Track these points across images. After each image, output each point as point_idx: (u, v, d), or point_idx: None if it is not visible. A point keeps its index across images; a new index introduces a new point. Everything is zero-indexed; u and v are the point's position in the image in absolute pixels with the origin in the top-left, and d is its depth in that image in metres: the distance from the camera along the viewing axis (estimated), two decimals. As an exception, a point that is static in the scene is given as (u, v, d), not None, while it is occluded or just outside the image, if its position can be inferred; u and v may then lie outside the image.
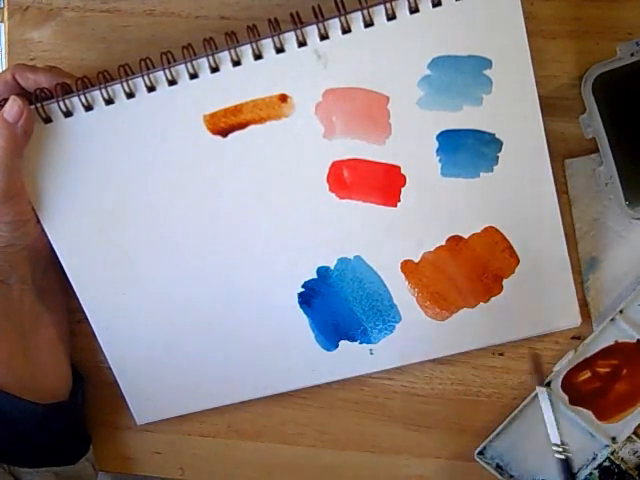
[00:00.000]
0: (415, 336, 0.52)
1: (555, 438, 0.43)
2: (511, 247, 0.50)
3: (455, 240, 0.50)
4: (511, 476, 0.54)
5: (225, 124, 0.48)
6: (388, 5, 0.45)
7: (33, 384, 0.50)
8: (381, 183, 0.49)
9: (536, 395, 0.52)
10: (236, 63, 0.47)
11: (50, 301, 0.53)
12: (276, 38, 0.46)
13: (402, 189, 0.49)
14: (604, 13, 0.49)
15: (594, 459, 0.53)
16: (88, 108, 0.47)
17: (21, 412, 0.49)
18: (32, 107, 0.46)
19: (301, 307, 0.52)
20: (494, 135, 0.48)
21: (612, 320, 0.51)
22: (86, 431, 0.57)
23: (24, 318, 0.50)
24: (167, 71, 0.46)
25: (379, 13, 0.45)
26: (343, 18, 0.45)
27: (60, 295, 0.54)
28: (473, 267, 0.51)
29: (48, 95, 0.47)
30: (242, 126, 0.48)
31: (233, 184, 0.49)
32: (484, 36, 0.46)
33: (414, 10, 0.45)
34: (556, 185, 0.49)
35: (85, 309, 0.52)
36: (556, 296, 0.51)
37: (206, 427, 0.57)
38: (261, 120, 0.48)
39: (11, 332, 0.50)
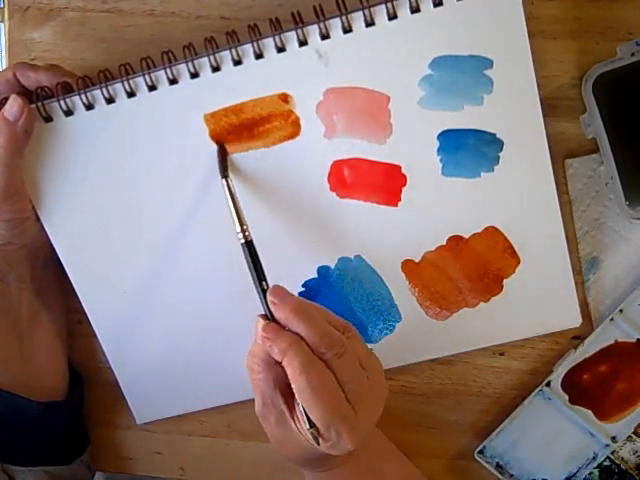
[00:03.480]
0: (415, 336, 0.52)
1: (237, 225, 0.44)
2: (512, 247, 0.50)
3: (456, 240, 0.50)
4: (511, 475, 0.54)
5: (226, 124, 0.48)
6: (389, 5, 0.45)
7: (29, 382, 0.50)
8: (382, 183, 0.49)
9: (536, 395, 0.52)
10: (237, 62, 0.47)
11: (48, 300, 0.53)
12: (277, 37, 0.46)
13: (403, 189, 0.49)
14: (604, 13, 0.49)
15: (594, 459, 0.53)
16: (89, 107, 0.47)
17: (16, 409, 0.49)
18: (33, 106, 0.46)
19: (302, 307, 0.52)
20: (495, 135, 0.48)
21: (612, 320, 0.51)
22: (84, 432, 0.56)
23: (22, 317, 0.50)
24: (168, 70, 0.46)
25: (380, 13, 0.45)
26: (344, 17, 0.45)
27: (58, 294, 0.54)
28: (474, 267, 0.51)
29: (49, 94, 0.47)
30: (245, 127, 0.48)
31: (234, 183, 0.49)
32: (485, 36, 0.46)
33: (415, 10, 0.45)
34: (556, 185, 0.49)
35: (85, 308, 0.52)
36: (556, 296, 0.51)
37: (207, 427, 0.57)
38: (262, 120, 0.48)
39: (8, 330, 0.50)
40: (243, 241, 0.44)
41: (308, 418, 0.40)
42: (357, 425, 0.40)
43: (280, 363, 0.41)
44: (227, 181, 0.45)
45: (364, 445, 0.41)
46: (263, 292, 0.43)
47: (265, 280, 0.43)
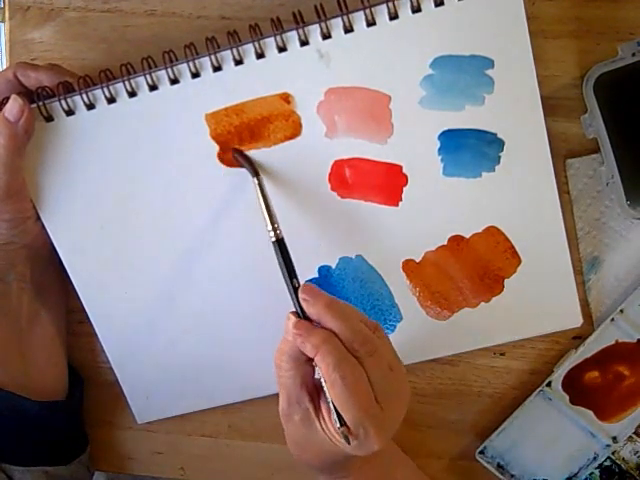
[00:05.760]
0: (416, 336, 0.52)
1: (269, 224, 0.44)
2: (512, 247, 0.50)
3: (456, 240, 0.50)
4: (512, 475, 0.54)
5: (227, 124, 0.48)
6: (390, 4, 0.45)
7: (29, 383, 0.50)
8: (383, 182, 0.49)
9: (537, 395, 0.52)
10: (238, 62, 0.47)
11: (48, 300, 0.53)
12: (278, 37, 0.46)
13: (404, 188, 0.49)
14: (605, 13, 0.49)
15: (595, 459, 0.53)
16: (90, 107, 0.47)
17: (15, 409, 0.49)
18: (34, 105, 0.46)
19: (302, 306, 0.52)
20: (496, 135, 0.48)
21: (613, 320, 0.51)
22: (83, 433, 0.56)
23: (22, 316, 0.50)
24: (169, 70, 0.46)
25: (381, 12, 0.45)
26: (345, 17, 0.45)
27: (59, 294, 0.54)
28: (474, 267, 0.51)
29: (50, 94, 0.47)
30: (246, 127, 0.48)
31: (234, 182, 0.49)
32: (486, 36, 0.46)
33: (416, 9, 0.45)
34: (557, 185, 0.49)
35: (86, 308, 0.52)
36: (557, 296, 0.51)
37: (207, 427, 0.57)
38: (263, 120, 0.48)
39: (8, 330, 0.50)
40: (274, 239, 0.44)
41: (338, 416, 0.39)
42: (384, 424, 0.40)
43: (310, 360, 0.40)
44: (259, 179, 0.46)
45: (383, 449, 0.41)
46: (294, 289, 0.42)
47: (296, 278, 0.43)
